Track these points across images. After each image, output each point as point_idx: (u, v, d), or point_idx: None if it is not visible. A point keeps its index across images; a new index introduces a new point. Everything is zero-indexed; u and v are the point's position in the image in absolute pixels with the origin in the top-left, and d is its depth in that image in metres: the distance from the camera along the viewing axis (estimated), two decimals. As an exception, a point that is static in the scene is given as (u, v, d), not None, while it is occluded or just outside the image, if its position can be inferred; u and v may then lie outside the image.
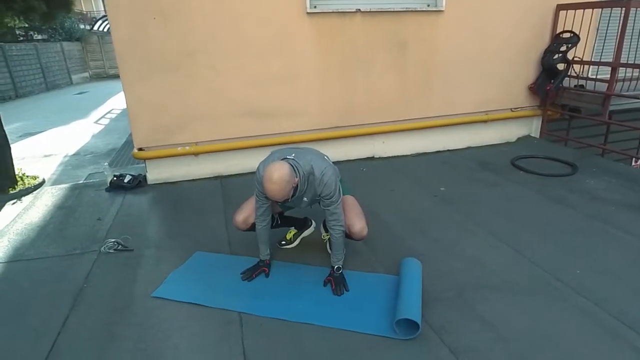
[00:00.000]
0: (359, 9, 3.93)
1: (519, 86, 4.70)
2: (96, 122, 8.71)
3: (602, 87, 4.16)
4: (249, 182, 3.87)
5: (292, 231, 2.74)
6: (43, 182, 4.87)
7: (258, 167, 2.16)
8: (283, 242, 2.71)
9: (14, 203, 4.01)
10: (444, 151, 4.70)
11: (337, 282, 2.24)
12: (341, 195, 2.18)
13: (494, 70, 4.53)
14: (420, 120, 4.51)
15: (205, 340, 1.92)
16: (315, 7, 3.83)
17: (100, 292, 2.33)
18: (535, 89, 4.62)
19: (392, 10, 4.02)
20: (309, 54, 3.96)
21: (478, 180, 3.81)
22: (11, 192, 4.41)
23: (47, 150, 6.51)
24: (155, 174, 3.95)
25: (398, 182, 3.83)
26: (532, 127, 4.99)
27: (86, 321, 2.09)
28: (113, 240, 2.82)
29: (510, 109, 4.77)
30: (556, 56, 4.40)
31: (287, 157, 2.05)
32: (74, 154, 6.17)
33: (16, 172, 4.65)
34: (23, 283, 2.45)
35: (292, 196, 2.03)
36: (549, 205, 3.24)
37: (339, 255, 2.27)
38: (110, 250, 2.75)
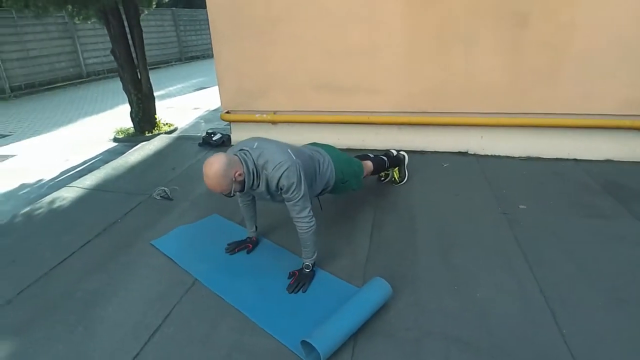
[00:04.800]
0: (464, -28, 3.24)
1: None
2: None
3: None
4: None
5: (395, 171, 3.13)
6: (175, 130, 5.85)
7: None
8: (392, 182, 3.16)
9: (144, 144, 4.90)
10: (567, 160, 3.63)
11: (299, 280, 2.07)
12: (303, 192, 1.93)
13: (667, 57, 3.18)
14: (538, 116, 3.56)
15: (149, 295, 2.05)
16: (409, -29, 3.33)
17: (123, 230, 2.71)
18: None
19: (512, -28, 3.18)
20: (396, 24, 3.51)
21: (584, 205, 2.82)
22: (147, 134, 5.46)
23: (199, 103, 7.71)
24: (238, 136, 4.26)
25: (473, 187, 3.16)
26: None
27: (94, 251, 2.47)
28: (163, 188, 3.20)
29: (692, 115, 3.31)
30: None
31: (243, 148, 1.94)
32: (213, 110, 7.14)
33: (157, 119, 5.72)
34: (85, 208, 3.04)
35: (244, 189, 1.91)
36: (671, 263, 2.19)
37: (308, 253, 2.08)
38: (157, 197, 3.14)
